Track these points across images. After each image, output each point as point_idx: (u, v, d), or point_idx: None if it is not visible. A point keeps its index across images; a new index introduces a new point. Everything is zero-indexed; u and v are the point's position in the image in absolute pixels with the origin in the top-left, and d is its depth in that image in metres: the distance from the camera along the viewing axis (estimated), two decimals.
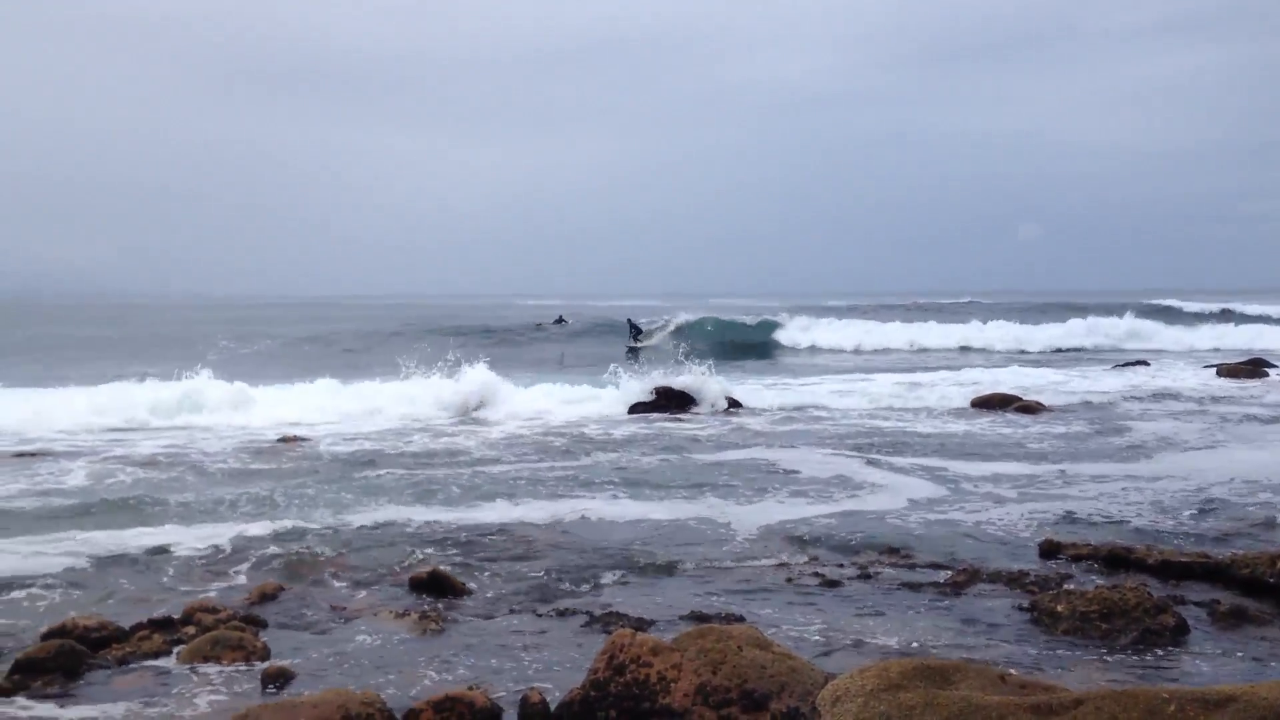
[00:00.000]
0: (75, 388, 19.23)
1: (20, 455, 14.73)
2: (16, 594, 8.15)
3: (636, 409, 20.77)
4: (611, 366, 23.12)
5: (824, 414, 20.19)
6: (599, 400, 21.30)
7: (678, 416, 19.74)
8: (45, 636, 6.99)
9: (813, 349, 43.10)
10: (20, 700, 6.16)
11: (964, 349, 42.43)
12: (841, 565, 9.13)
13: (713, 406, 20.91)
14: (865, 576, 8.78)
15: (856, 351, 41.73)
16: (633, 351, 38.41)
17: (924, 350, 41.90)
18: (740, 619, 7.47)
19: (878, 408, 21.08)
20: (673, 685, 5.85)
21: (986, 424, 18.54)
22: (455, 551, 9.58)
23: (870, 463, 14.32)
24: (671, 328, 44.05)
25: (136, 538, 9.86)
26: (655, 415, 20.01)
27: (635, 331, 43.17)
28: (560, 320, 52.81)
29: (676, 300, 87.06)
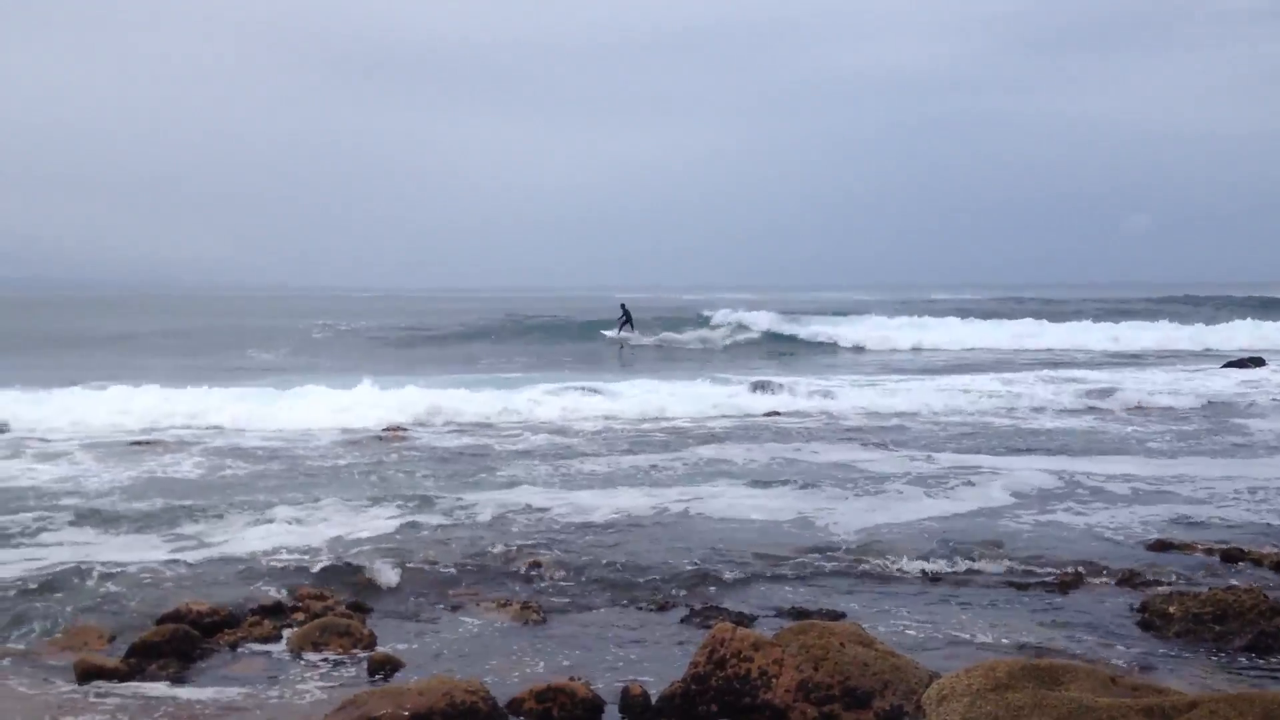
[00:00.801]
0: (193, 388, 19.61)
1: (136, 444, 15.18)
2: (132, 579, 8.37)
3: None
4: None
5: (922, 411, 19.91)
6: (696, 396, 21.31)
7: (776, 412, 19.61)
8: (160, 621, 7.18)
9: (858, 349, 40.44)
10: (135, 682, 6.34)
11: (1074, 349, 40.60)
12: (947, 562, 9.00)
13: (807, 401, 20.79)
14: (971, 574, 8.66)
15: (917, 349, 39.97)
16: (620, 339, 36.94)
17: (1021, 350, 39.80)
18: (842, 615, 7.41)
19: (981, 405, 20.71)
20: (774, 681, 5.83)
21: (1096, 421, 18.14)
22: (558, 543, 9.63)
23: (975, 460, 14.10)
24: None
25: (246, 526, 10.07)
26: (753, 410, 19.92)
27: (626, 319, 40.40)
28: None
29: (763, 293, 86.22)
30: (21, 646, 6.94)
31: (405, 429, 17.01)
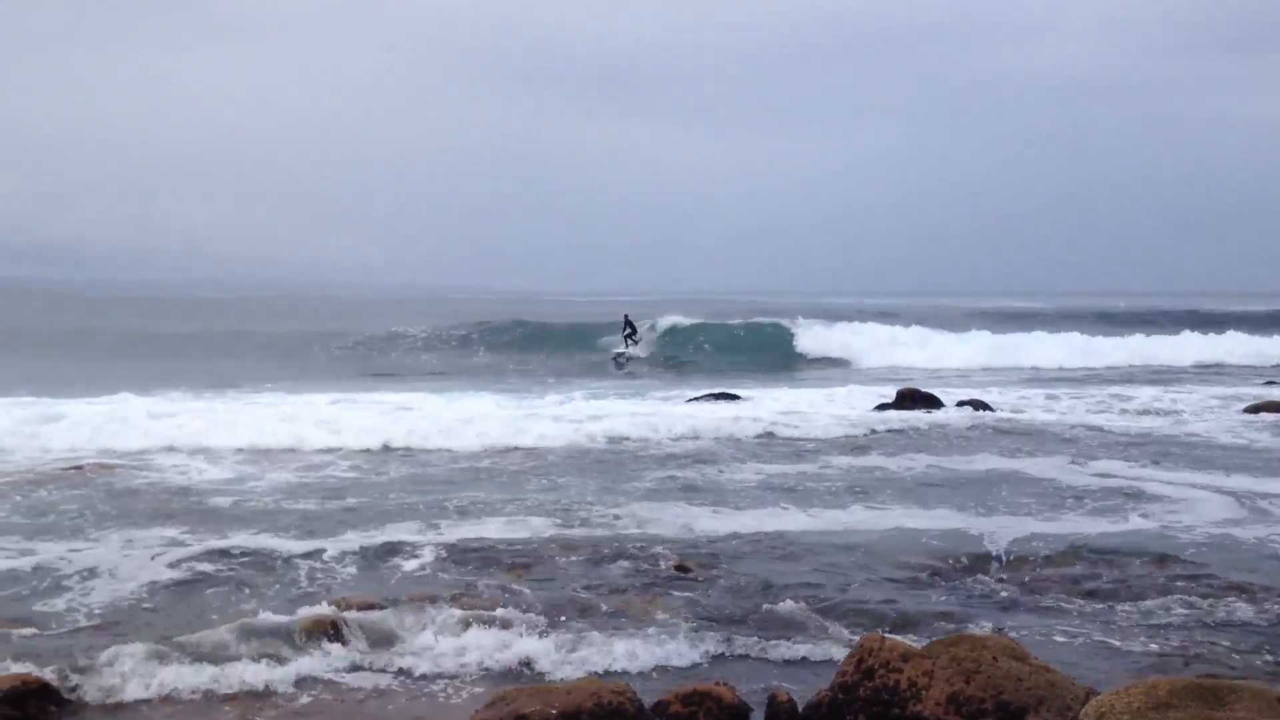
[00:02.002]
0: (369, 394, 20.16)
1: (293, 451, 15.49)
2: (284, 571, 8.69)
3: (883, 409, 20.55)
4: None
5: (1080, 421, 19.34)
6: (840, 401, 21.17)
7: (917, 424, 19.28)
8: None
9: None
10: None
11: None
12: (1103, 577, 8.72)
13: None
14: (1130, 589, 8.37)
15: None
16: (620, 356, 34.21)
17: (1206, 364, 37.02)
18: (997, 629, 7.25)
19: (1143, 423, 19.98)
20: (924, 692, 5.73)
21: (1260, 434, 17.38)
22: (706, 548, 9.65)
23: (1135, 472, 13.65)
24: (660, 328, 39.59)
25: (409, 531, 10.27)
26: (899, 418, 19.63)
27: (630, 331, 37.03)
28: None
29: (929, 300, 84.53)
30: None
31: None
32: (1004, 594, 8.34)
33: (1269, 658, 6.80)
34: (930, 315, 51.02)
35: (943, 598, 8.25)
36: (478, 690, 6.26)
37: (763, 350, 38.07)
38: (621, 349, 35.23)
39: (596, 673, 6.49)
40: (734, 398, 21.58)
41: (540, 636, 7.14)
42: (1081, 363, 35.57)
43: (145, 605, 7.83)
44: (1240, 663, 6.70)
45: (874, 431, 17.55)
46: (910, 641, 6.32)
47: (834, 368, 34.49)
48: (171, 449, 14.83)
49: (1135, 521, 10.78)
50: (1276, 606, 7.88)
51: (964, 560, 9.27)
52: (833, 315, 45.01)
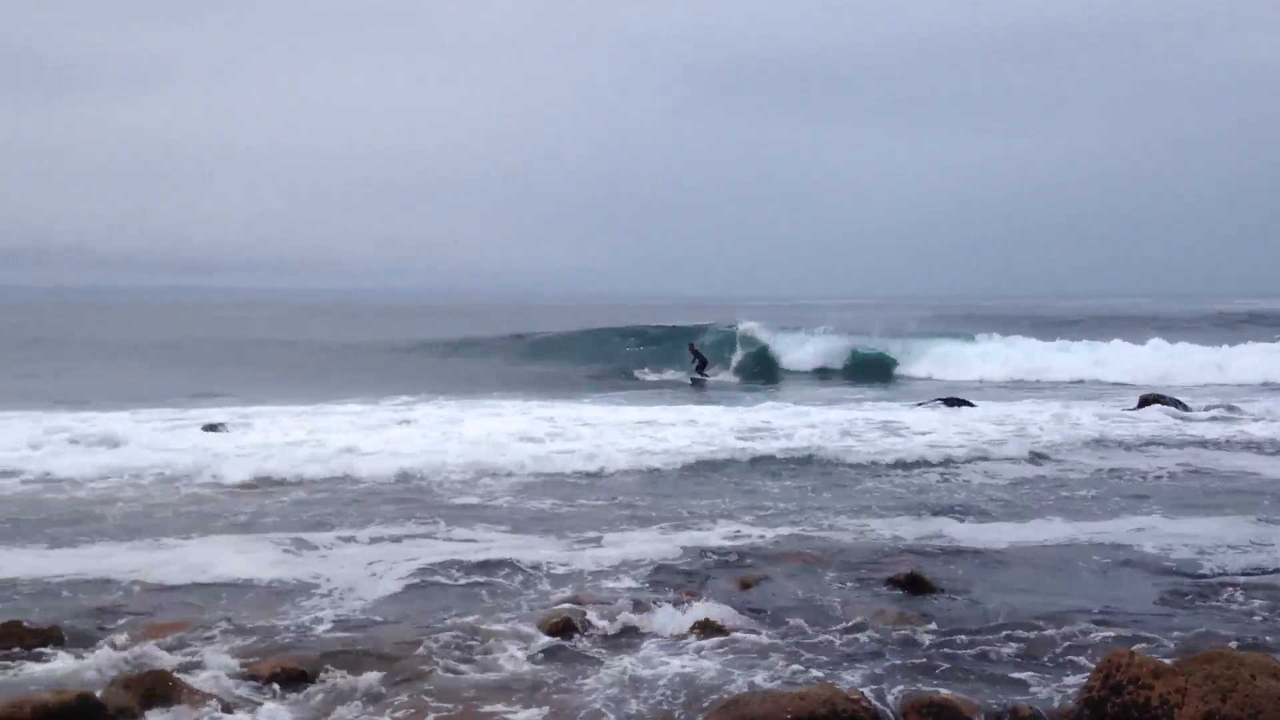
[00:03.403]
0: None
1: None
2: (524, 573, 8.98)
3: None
4: None
5: None
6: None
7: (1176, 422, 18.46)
8: (551, 608, 7.68)
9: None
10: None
11: None
12: None
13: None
14: None
15: None
16: (697, 382, 31.92)
17: None
18: (1252, 646, 6.87)
19: None
20: (1176, 711, 5.49)
21: None
22: (934, 554, 9.49)
23: None
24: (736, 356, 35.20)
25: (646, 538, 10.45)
26: (1151, 418, 18.93)
27: (700, 363, 33.59)
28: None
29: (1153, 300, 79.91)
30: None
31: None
32: (1266, 609, 7.90)
33: None
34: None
35: (1191, 612, 7.87)
36: (709, 694, 6.30)
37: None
38: (697, 375, 33.14)
39: (824, 676, 6.45)
40: (965, 403, 21.16)
41: (769, 640, 7.16)
42: None
43: None
44: None
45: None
46: (1159, 658, 6.05)
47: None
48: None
49: None
50: None
51: (1227, 570, 8.85)
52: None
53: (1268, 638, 7.19)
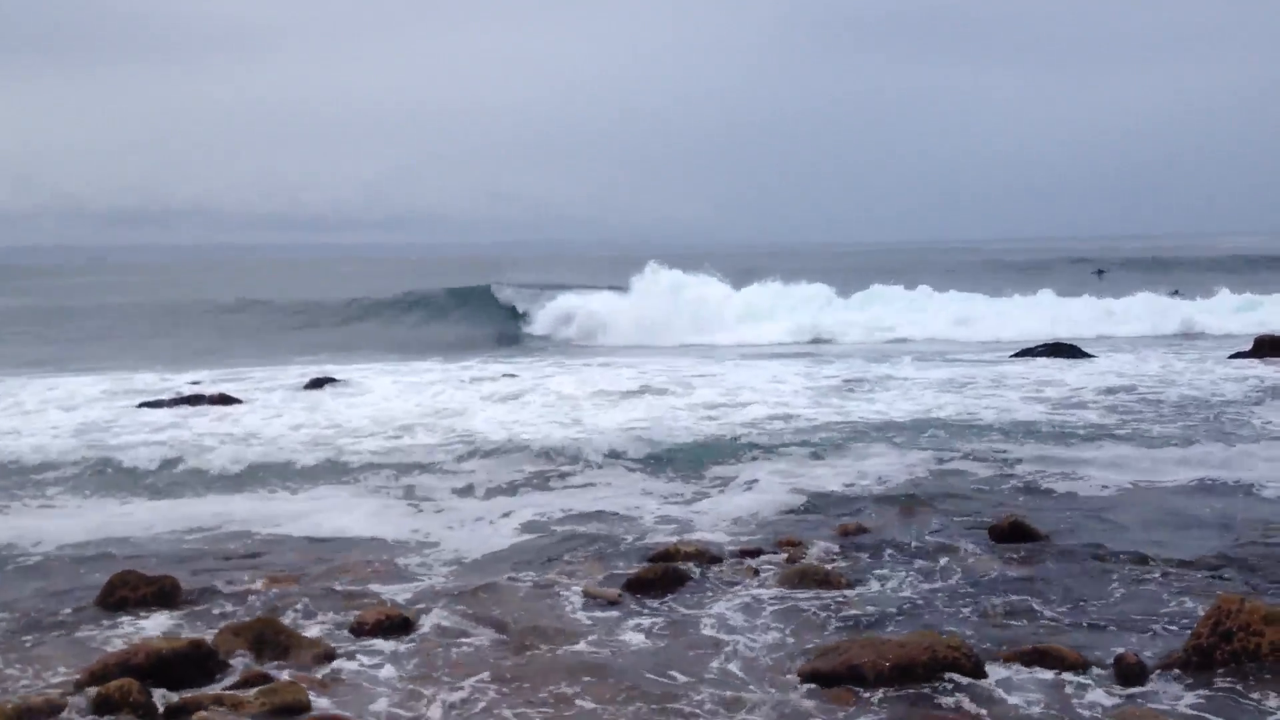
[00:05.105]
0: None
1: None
2: (625, 524, 9.04)
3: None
4: None
5: None
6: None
7: None
8: (652, 559, 7.70)
9: None
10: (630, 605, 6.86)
11: None
12: None
13: None
14: None
15: None
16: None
17: None
18: None
19: None
20: None
21: None
22: (1028, 501, 9.37)
23: None
24: None
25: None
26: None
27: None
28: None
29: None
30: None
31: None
32: None
33: None
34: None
35: None
36: (798, 639, 6.29)
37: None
38: None
39: (929, 623, 6.40)
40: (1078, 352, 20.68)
41: (871, 587, 7.15)
42: None
43: None
44: None
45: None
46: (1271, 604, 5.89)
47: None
48: None
49: None
50: None
51: None
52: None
53: None
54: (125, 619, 6.72)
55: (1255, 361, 18.98)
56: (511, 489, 10.32)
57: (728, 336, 28.01)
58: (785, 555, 7.85)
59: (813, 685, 5.55)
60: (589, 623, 6.62)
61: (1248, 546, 7.91)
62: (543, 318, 31.24)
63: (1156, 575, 7.29)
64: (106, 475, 10.97)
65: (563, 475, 10.79)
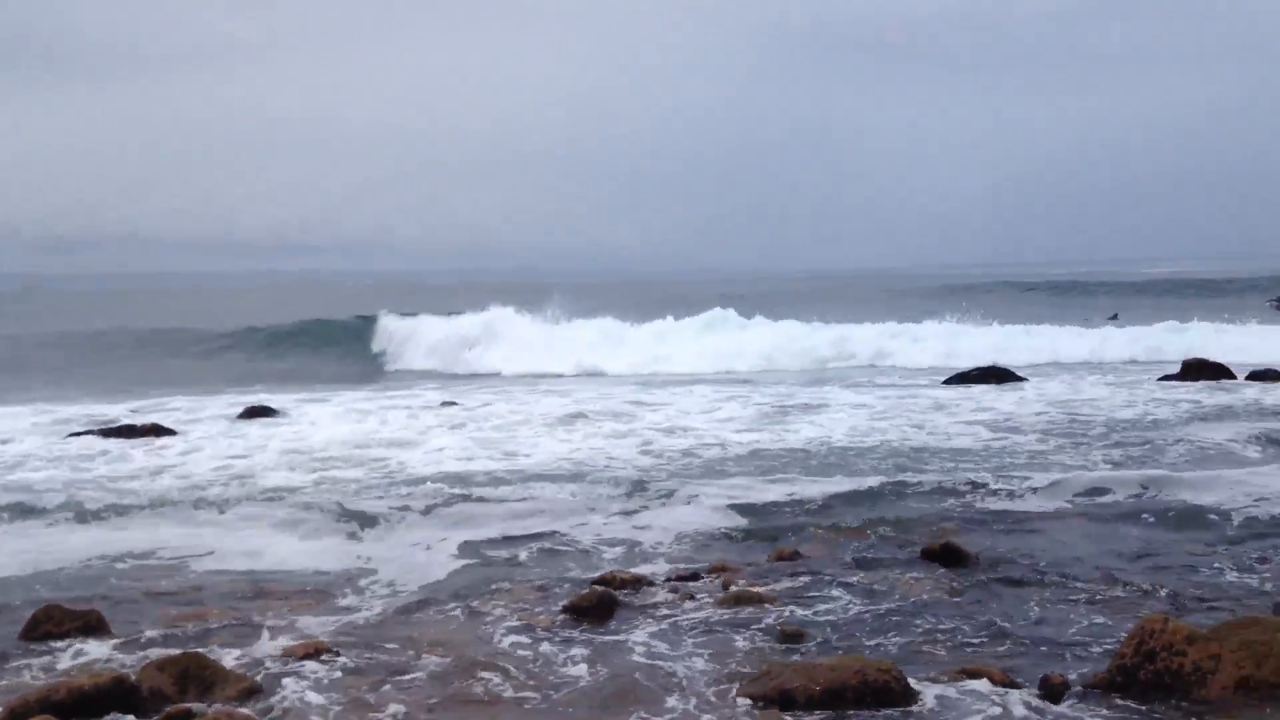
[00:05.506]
0: None
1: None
2: (560, 552, 9.02)
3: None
4: None
5: None
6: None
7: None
8: (589, 586, 7.70)
9: None
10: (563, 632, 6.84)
11: None
12: None
13: None
14: None
15: None
16: None
17: None
18: None
19: None
20: (1210, 678, 5.46)
21: None
22: (962, 524, 9.45)
23: None
24: None
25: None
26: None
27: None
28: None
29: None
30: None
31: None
32: None
33: None
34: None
35: (1229, 577, 7.79)
36: (734, 663, 6.30)
37: None
38: None
39: (857, 647, 6.44)
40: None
41: (802, 611, 7.17)
42: None
43: None
44: None
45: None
46: (1195, 624, 5.99)
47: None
48: None
49: None
50: None
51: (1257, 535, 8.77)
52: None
53: None
54: (48, 654, 6.59)
55: (1184, 384, 19.33)
56: (446, 518, 10.21)
57: (624, 365, 27.16)
58: (721, 580, 7.87)
59: (746, 710, 5.56)
60: (524, 652, 6.58)
61: (1173, 568, 8.06)
62: (437, 345, 30.02)
63: (1084, 596, 7.40)
64: (32, 506, 10.76)
65: (500, 503, 10.71)
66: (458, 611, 7.36)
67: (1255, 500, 9.91)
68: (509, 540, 9.32)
